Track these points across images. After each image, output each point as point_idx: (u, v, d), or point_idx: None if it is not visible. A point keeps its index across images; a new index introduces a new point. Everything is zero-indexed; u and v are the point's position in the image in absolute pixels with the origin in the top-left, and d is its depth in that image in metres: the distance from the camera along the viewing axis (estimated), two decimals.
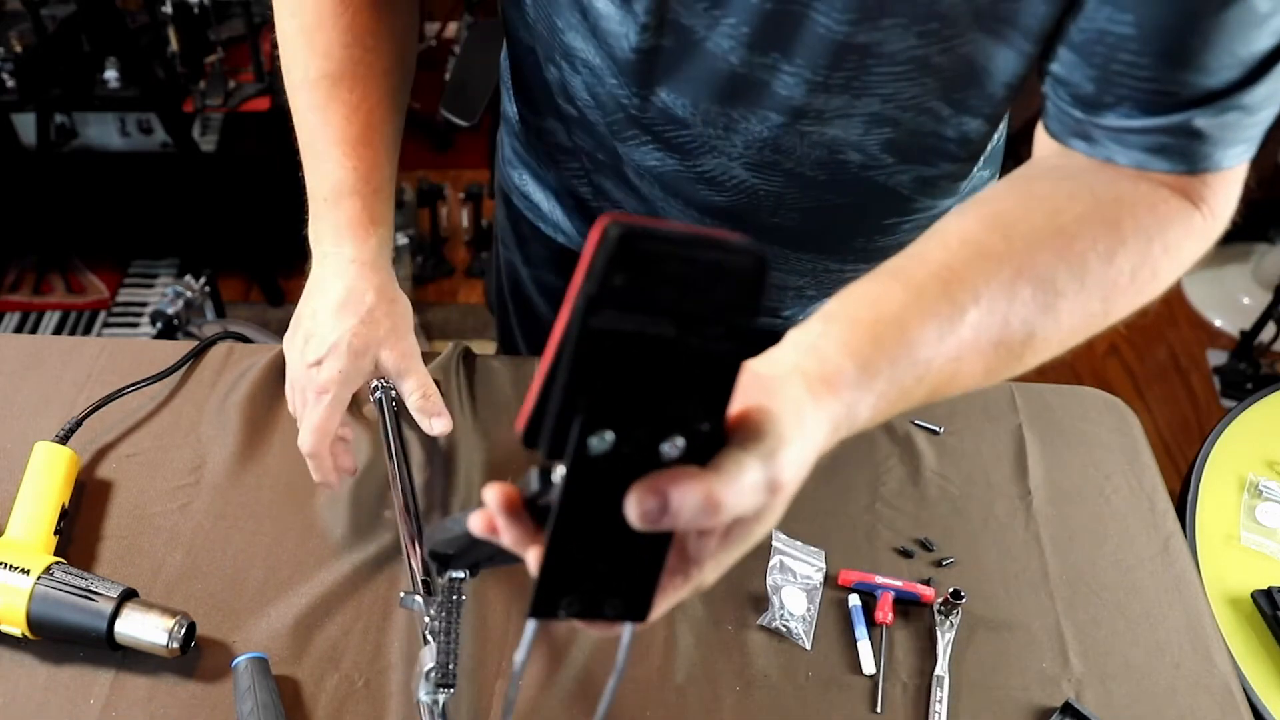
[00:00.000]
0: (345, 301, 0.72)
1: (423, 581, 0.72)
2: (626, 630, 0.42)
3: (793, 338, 0.51)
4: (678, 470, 0.37)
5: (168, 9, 2.13)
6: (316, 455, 0.72)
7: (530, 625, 0.41)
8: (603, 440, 0.36)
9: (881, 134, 0.68)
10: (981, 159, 0.76)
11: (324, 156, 0.73)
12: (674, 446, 0.37)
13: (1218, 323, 2.51)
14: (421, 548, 0.74)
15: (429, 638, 0.67)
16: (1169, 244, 0.58)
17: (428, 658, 0.66)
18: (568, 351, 0.35)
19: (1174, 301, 2.57)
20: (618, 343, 0.35)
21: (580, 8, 0.68)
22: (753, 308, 0.36)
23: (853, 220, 0.80)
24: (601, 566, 0.39)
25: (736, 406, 0.41)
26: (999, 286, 0.53)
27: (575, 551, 0.39)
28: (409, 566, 0.73)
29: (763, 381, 0.45)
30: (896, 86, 0.64)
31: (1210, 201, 0.60)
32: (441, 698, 0.66)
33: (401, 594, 0.72)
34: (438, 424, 0.76)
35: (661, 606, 0.43)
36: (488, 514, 0.41)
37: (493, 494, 0.40)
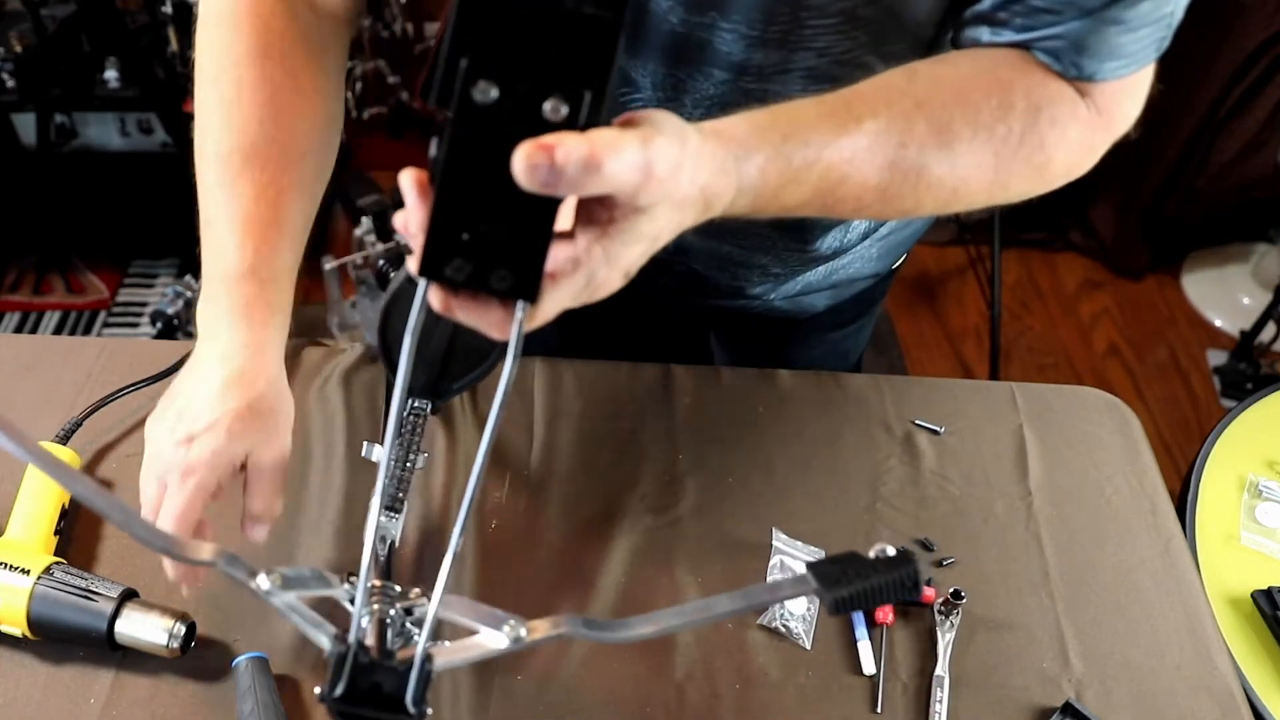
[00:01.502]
0: (232, 383, 0.65)
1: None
2: (518, 309, 0.43)
3: None
4: (562, 132, 0.39)
5: (168, 9, 2.13)
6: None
7: (421, 284, 0.43)
8: (486, 92, 0.38)
9: (820, 89, 0.71)
10: None
11: (224, 236, 0.68)
12: (556, 110, 0.39)
13: (1218, 323, 2.51)
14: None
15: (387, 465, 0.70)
16: (1056, 118, 0.62)
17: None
18: (456, 2, 0.38)
19: (1174, 301, 2.57)
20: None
21: None
22: None
23: None
24: (489, 230, 0.41)
25: (626, 117, 0.44)
26: (898, 112, 0.58)
27: (461, 207, 0.41)
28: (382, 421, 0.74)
29: (656, 111, 0.47)
30: (829, 40, 0.68)
31: (1098, 100, 0.64)
32: (392, 528, 0.67)
33: (364, 443, 0.72)
34: (257, 530, 0.68)
35: (556, 297, 0.45)
36: (410, 197, 0.43)
37: (407, 174, 0.43)
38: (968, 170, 0.60)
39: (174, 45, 2.22)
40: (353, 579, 0.51)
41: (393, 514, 0.69)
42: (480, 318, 0.44)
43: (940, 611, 0.78)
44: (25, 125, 2.24)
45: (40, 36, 2.12)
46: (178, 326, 1.97)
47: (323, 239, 2.52)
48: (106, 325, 2.41)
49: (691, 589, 0.79)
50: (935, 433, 0.92)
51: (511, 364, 0.43)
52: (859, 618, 0.78)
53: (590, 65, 0.39)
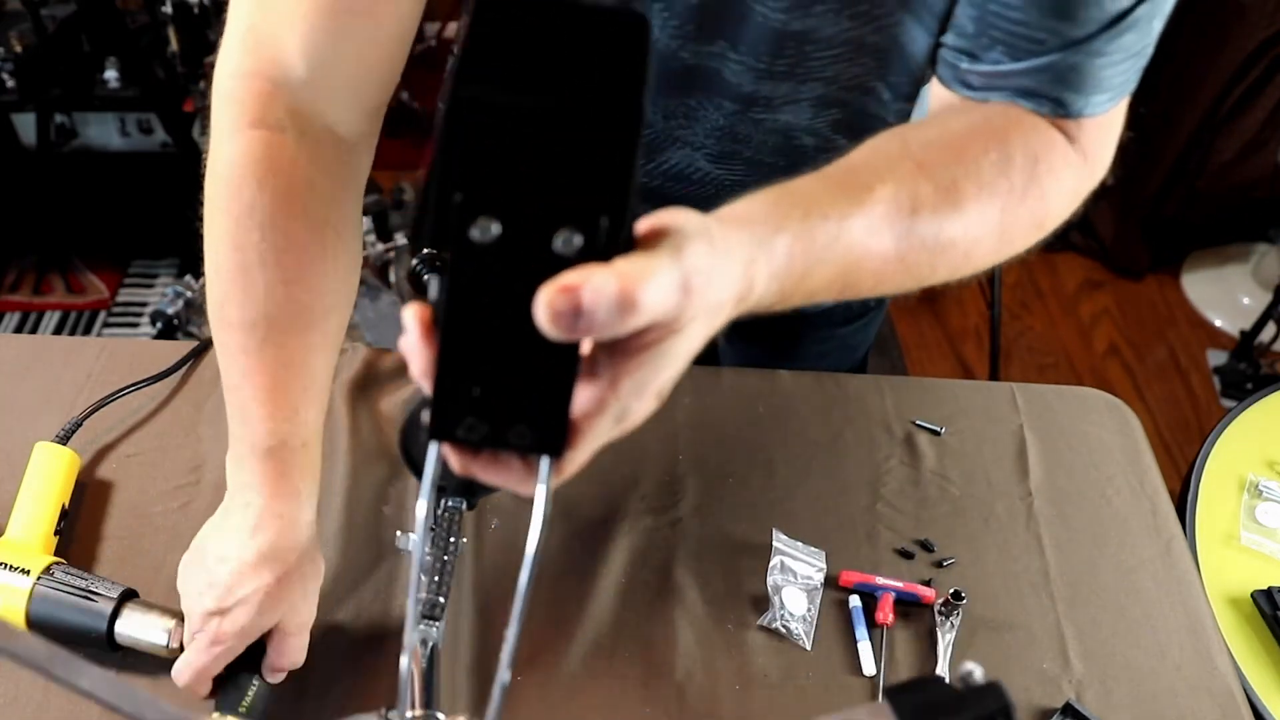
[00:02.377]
0: (266, 557, 0.64)
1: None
2: (543, 466, 0.38)
3: None
4: (588, 267, 0.34)
5: (168, 9, 2.13)
6: (188, 689, 0.67)
7: (432, 448, 0.38)
8: (486, 230, 0.33)
9: (830, 115, 0.71)
10: None
11: (251, 406, 0.65)
12: (568, 242, 0.34)
13: (1218, 323, 2.51)
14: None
15: (422, 574, 0.66)
16: (1052, 166, 0.61)
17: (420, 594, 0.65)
18: (442, 127, 0.33)
19: (1174, 301, 2.57)
20: (493, 115, 0.32)
21: None
22: (637, 82, 0.33)
23: None
24: (503, 383, 0.36)
25: (645, 225, 0.39)
26: (903, 176, 0.55)
27: (471, 360, 0.36)
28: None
29: (675, 210, 0.42)
30: (837, 68, 0.67)
31: (1083, 142, 0.63)
32: (434, 633, 0.65)
33: (398, 533, 0.71)
34: (277, 676, 0.69)
35: (583, 446, 0.39)
36: (414, 338, 0.37)
37: (410, 311, 0.37)
38: (978, 230, 0.58)
39: (174, 45, 2.22)
40: (391, 717, 0.48)
41: (433, 622, 0.66)
42: (503, 477, 0.40)
43: (940, 612, 0.78)
44: (25, 125, 2.24)
45: (40, 36, 2.12)
46: (178, 326, 1.96)
47: None
48: (106, 325, 2.41)
49: (691, 589, 0.79)
50: (935, 433, 0.92)
51: (540, 527, 0.37)
52: (859, 617, 0.78)
53: (605, 188, 0.34)
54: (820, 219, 0.49)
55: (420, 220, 0.34)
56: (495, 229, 0.33)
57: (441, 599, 0.65)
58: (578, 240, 0.34)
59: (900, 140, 0.58)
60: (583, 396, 0.39)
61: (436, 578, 0.66)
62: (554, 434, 0.37)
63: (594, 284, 0.34)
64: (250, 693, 0.68)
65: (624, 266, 0.35)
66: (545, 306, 0.33)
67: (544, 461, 0.38)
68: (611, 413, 0.39)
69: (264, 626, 0.66)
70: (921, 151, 0.57)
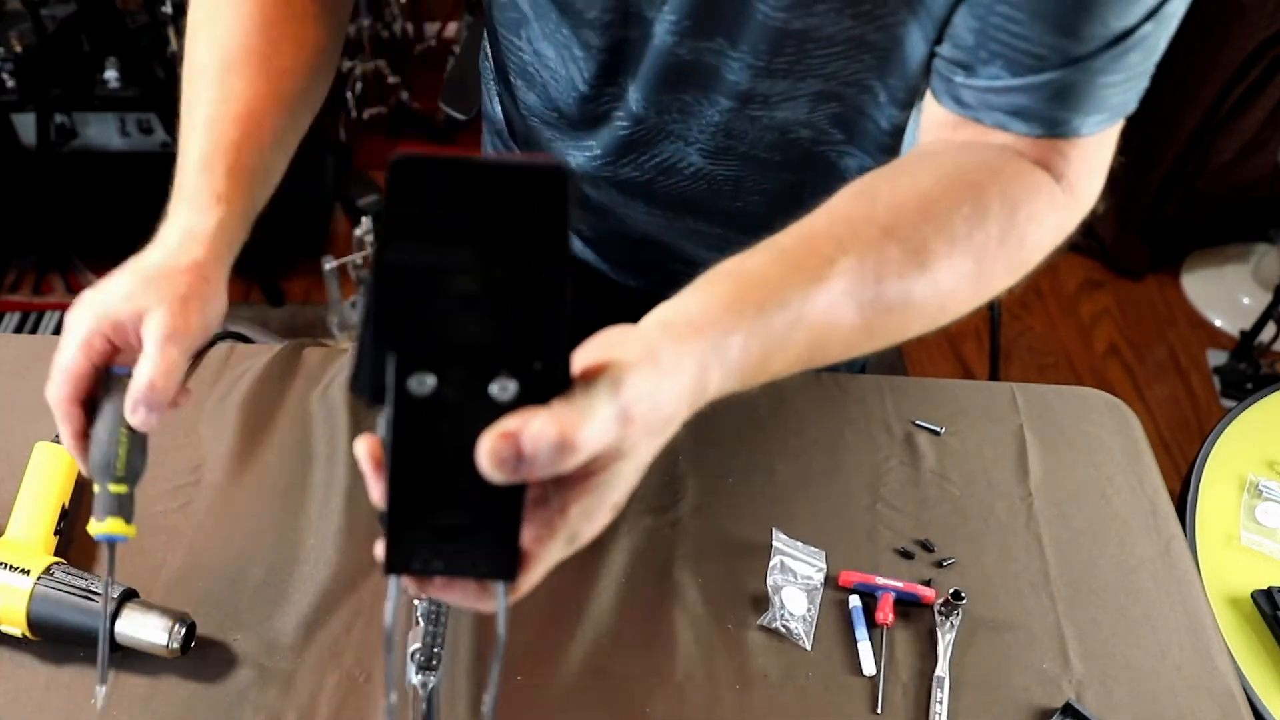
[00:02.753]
0: (149, 255, 0.60)
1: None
2: (500, 592, 0.39)
3: (659, 307, 0.49)
4: (525, 412, 0.35)
5: (168, 9, 2.13)
6: (58, 404, 0.57)
7: (391, 582, 0.39)
8: (423, 383, 0.34)
9: (827, 109, 0.70)
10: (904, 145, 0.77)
11: (192, 134, 0.65)
12: (504, 388, 0.35)
13: (1218, 323, 2.51)
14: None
15: (420, 620, 0.67)
16: (1033, 212, 0.59)
17: (414, 640, 0.66)
18: (371, 289, 0.34)
19: (1174, 301, 2.57)
20: (418, 276, 0.33)
21: (554, 7, 0.70)
22: (560, 229, 0.34)
23: (811, 199, 0.81)
24: (453, 518, 0.37)
25: (584, 359, 0.40)
26: (867, 242, 0.53)
27: (419, 500, 0.37)
28: None
29: (616, 334, 0.43)
30: (836, 65, 0.66)
31: (1070, 176, 0.61)
32: (431, 681, 0.65)
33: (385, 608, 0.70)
34: (140, 412, 0.56)
35: (537, 567, 0.41)
36: (365, 470, 0.39)
37: (361, 445, 0.39)
38: (951, 284, 0.56)
39: (174, 45, 2.22)
40: None
41: (431, 672, 0.65)
42: (460, 598, 0.41)
43: (940, 612, 0.78)
44: (25, 125, 2.24)
45: (40, 36, 2.12)
46: None
47: (323, 239, 2.52)
48: None
49: (691, 589, 0.79)
50: (935, 433, 0.92)
51: (501, 646, 0.39)
52: (859, 617, 0.78)
53: (537, 336, 0.35)
54: (778, 307, 0.49)
55: (358, 374, 0.36)
56: (431, 381, 0.34)
57: (437, 649, 0.64)
58: (513, 386, 0.35)
59: (868, 200, 0.57)
60: (533, 523, 0.40)
61: (432, 626, 0.66)
62: (506, 561, 0.38)
63: (532, 430, 0.35)
64: (121, 448, 0.57)
65: (561, 409, 0.36)
66: (486, 454, 0.35)
67: (499, 587, 0.39)
68: (562, 537, 0.40)
69: (120, 311, 0.56)
70: (889, 215, 0.55)
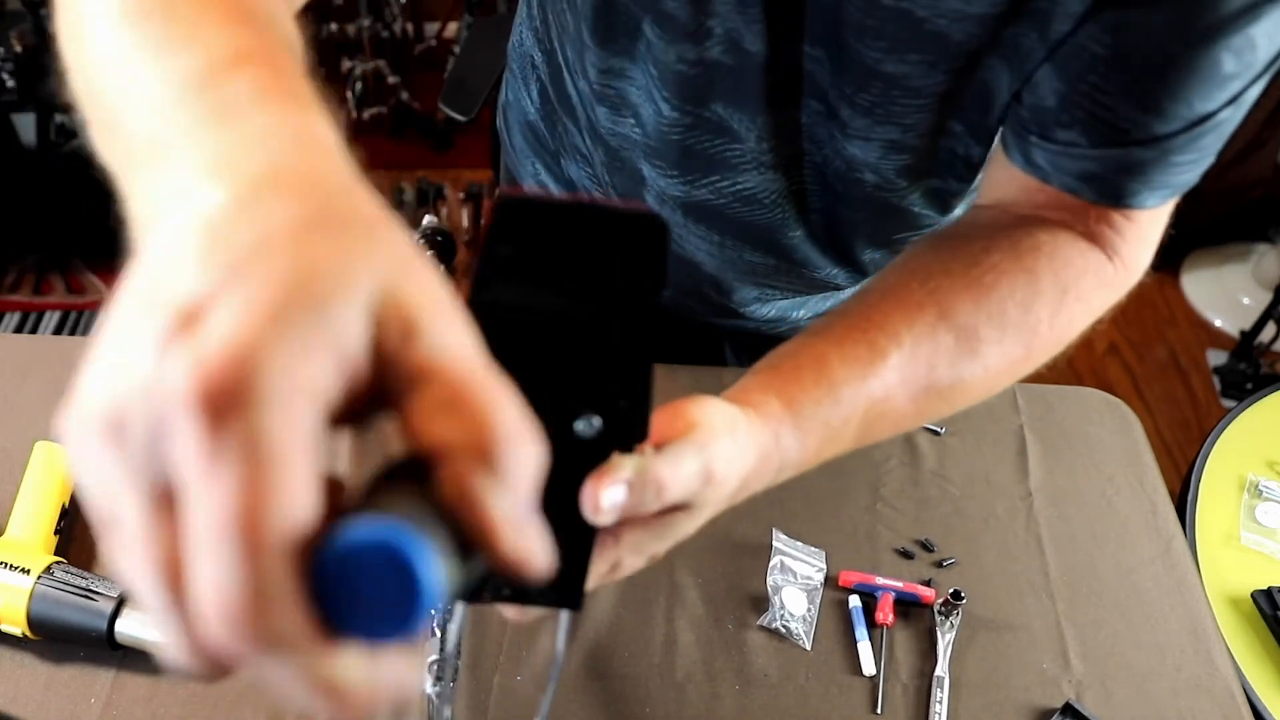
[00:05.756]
0: (269, 182, 0.30)
1: None
2: (563, 619, 0.42)
3: (732, 388, 0.53)
4: (619, 458, 0.37)
5: None
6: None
7: (459, 608, 0.42)
8: None
9: (899, 160, 0.68)
10: (977, 180, 0.75)
11: (185, 40, 0.37)
12: (589, 425, 0.36)
13: (1218, 323, 2.51)
14: None
15: (435, 629, 0.67)
16: (1082, 294, 0.61)
17: (431, 650, 0.66)
18: None
19: (1174, 301, 2.57)
20: (510, 316, 0.34)
21: (631, 30, 0.67)
22: (656, 275, 0.35)
23: (865, 235, 0.80)
24: None
25: (675, 415, 0.42)
26: (921, 330, 0.56)
27: None
28: None
29: (705, 400, 0.46)
30: (917, 118, 0.64)
31: (1123, 253, 0.62)
32: (446, 690, 0.65)
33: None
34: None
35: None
36: None
37: None
38: (1000, 367, 0.59)
39: None
40: None
41: (447, 683, 0.65)
42: (517, 615, 0.42)
43: (940, 612, 0.78)
44: (25, 125, 2.25)
45: (40, 36, 2.12)
46: None
47: None
48: None
49: (691, 589, 0.79)
50: (935, 433, 0.92)
51: (557, 669, 0.44)
52: (859, 617, 0.78)
53: (625, 376, 0.36)
54: (833, 404, 0.53)
55: None
56: None
57: (453, 657, 0.65)
58: (597, 423, 0.36)
59: (921, 278, 0.58)
60: None
61: (448, 638, 0.66)
62: (574, 591, 0.40)
63: (624, 474, 0.37)
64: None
65: (654, 461, 0.39)
66: (592, 502, 0.37)
67: (563, 615, 0.41)
68: (606, 561, 0.43)
69: (345, 321, 0.27)
70: (944, 297, 0.57)
